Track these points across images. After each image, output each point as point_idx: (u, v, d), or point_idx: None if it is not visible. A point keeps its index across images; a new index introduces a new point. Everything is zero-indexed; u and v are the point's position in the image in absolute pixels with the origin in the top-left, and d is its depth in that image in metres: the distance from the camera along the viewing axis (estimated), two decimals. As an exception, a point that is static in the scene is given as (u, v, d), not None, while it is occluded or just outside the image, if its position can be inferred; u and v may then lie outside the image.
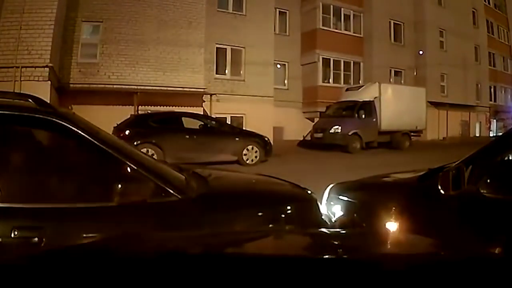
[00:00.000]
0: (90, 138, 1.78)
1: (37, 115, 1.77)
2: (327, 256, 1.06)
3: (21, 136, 1.86)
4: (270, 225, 2.05)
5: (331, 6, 19.34)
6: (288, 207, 2.22)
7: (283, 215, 2.12)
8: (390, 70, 21.21)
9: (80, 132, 1.77)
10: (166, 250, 1.10)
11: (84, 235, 1.63)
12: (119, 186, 1.70)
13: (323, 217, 2.37)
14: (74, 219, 1.68)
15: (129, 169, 1.80)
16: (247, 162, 10.16)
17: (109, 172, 1.83)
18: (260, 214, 2.08)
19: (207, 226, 1.84)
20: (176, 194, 1.87)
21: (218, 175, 2.71)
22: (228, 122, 14.00)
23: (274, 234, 1.63)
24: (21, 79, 9.01)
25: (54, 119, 1.76)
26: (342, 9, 19.79)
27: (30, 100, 1.95)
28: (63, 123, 1.76)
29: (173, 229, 1.74)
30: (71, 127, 1.76)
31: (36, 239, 1.56)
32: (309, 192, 2.52)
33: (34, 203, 1.66)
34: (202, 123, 10.38)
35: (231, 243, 1.26)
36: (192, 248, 1.15)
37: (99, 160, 1.83)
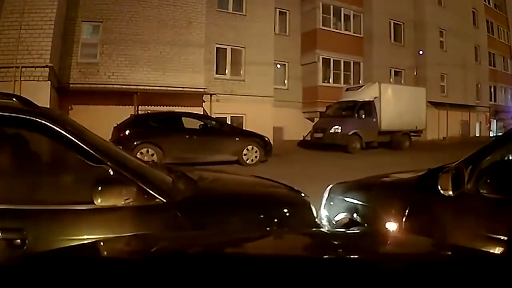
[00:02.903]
0: (74, 139, 1.75)
1: (20, 115, 1.73)
2: (327, 256, 1.06)
3: (4, 136, 1.82)
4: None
5: (331, 6, 19.34)
6: (281, 211, 2.15)
7: (276, 220, 2.06)
8: (390, 70, 21.21)
9: (64, 132, 1.74)
10: (166, 250, 1.10)
11: (64, 238, 1.58)
12: (101, 188, 1.65)
13: (317, 220, 2.32)
14: (54, 221, 1.65)
15: (112, 171, 1.76)
16: (247, 162, 10.16)
17: (91, 173, 1.77)
18: (251, 218, 2.01)
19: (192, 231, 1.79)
20: (160, 197, 1.81)
21: (208, 176, 2.66)
22: (228, 122, 14.00)
23: (274, 234, 1.63)
24: (21, 79, 9.00)
25: (37, 119, 1.72)
26: (342, 9, 19.79)
27: (15, 100, 1.91)
28: (46, 123, 1.72)
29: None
30: (54, 127, 1.73)
31: (17, 241, 1.53)
32: (303, 195, 2.45)
33: (15, 204, 1.63)
34: (202, 123, 10.38)
35: (231, 243, 1.26)
36: (192, 248, 1.15)
37: (82, 161, 1.78)
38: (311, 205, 2.31)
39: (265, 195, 2.41)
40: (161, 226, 1.79)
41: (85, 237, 1.58)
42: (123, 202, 1.71)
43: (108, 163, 1.77)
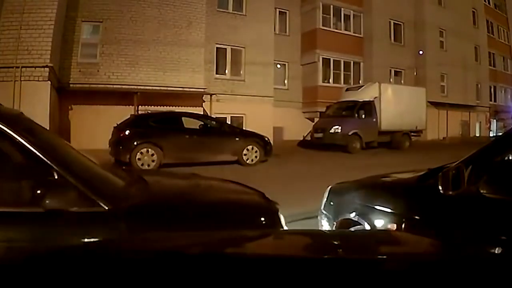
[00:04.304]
0: (21, 139, 1.67)
1: None
2: (327, 256, 1.06)
3: None
4: None
5: (331, 6, 19.35)
6: (245, 221, 2.01)
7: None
8: (390, 70, 21.22)
9: (11, 133, 1.67)
10: (166, 250, 1.10)
11: None
12: (40, 191, 1.59)
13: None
14: None
15: (56, 174, 1.67)
16: (247, 162, 10.16)
17: (36, 176, 1.70)
18: (209, 229, 1.83)
19: None
20: (103, 204, 1.70)
21: (168, 181, 2.51)
22: (228, 122, 14.01)
23: (274, 234, 1.63)
24: (21, 79, 9.01)
25: None
26: (342, 9, 19.80)
27: None
28: None
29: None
30: (1, 126, 1.67)
31: None
32: (272, 203, 2.30)
33: None
34: (202, 123, 10.37)
35: (231, 243, 1.26)
36: (192, 248, 1.15)
37: (28, 163, 1.70)
38: (279, 214, 2.16)
39: (229, 204, 2.24)
40: (101, 234, 1.66)
41: (20, 240, 1.53)
42: (63, 207, 1.63)
43: (53, 166, 1.68)
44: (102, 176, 2.09)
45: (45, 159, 1.68)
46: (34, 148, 1.68)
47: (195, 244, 1.23)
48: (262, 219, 2.11)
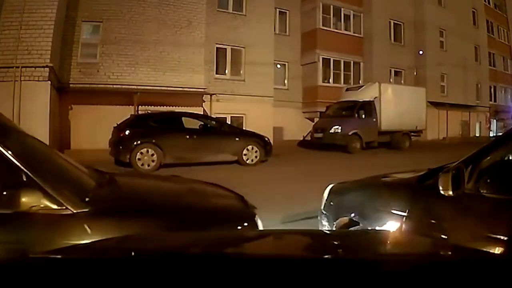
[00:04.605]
0: None
1: None
2: (327, 256, 1.06)
3: None
4: None
5: (331, 6, 19.34)
6: (219, 226, 1.95)
7: None
8: (390, 70, 21.22)
9: None
10: (166, 250, 1.10)
11: None
12: (6, 192, 1.57)
13: None
14: None
15: (24, 176, 1.63)
16: (247, 162, 10.17)
17: (4, 177, 1.67)
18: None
19: None
20: (69, 207, 1.66)
21: (142, 183, 2.45)
22: (228, 122, 14.01)
23: (274, 234, 1.63)
24: (21, 79, 9.00)
25: None
26: (342, 9, 19.79)
27: None
28: None
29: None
30: None
31: None
32: (250, 207, 2.24)
33: None
34: (202, 123, 10.38)
35: (231, 243, 1.26)
36: (192, 248, 1.15)
37: None
38: (257, 219, 2.10)
39: (202, 208, 2.17)
40: (66, 237, 1.60)
41: None
42: (29, 210, 1.59)
43: (21, 167, 1.65)
44: (73, 179, 2.05)
45: (13, 159, 1.65)
46: (9, 153, 1.65)
47: (195, 244, 1.23)
48: (238, 223, 2.07)
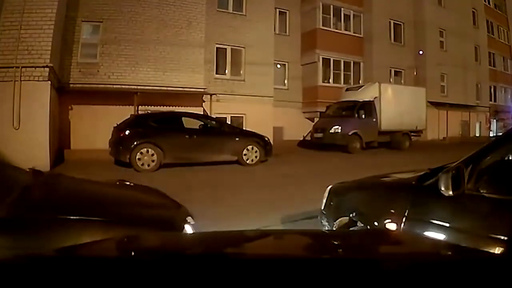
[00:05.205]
0: None
1: None
2: (327, 256, 1.06)
3: None
4: None
5: (331, 6, 19.34)
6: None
7: None
8: (390, 70, 21.21)
9: None
10: (166, 250, 1.10)
11: None
12: None
13: None
14: None
15: None
16: (247, 162, 10.17)
17: None
18: None
19: None
20: None
21: (62, 182, 2.34)
22: (228, 122, 14.01)
23: (274, 234, 1.63)
24: (21, 79, 8.99)
25: None
26: (342, 9, 19.79)
27: None
28: None
29: None
30: None
31: None
32: (182, 216, 2.16)
33: None
34: (202, 123, 10.38)
35: (231, 243, 1.26)
36: (192, 248, 1.15)
37: None
38: (185, 229, 2.03)
39: (126, 216, 2.05)
40: None
41: None
42: None
43: None
44: None
45: None
46: None
47: (195, 244, 1.23)
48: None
